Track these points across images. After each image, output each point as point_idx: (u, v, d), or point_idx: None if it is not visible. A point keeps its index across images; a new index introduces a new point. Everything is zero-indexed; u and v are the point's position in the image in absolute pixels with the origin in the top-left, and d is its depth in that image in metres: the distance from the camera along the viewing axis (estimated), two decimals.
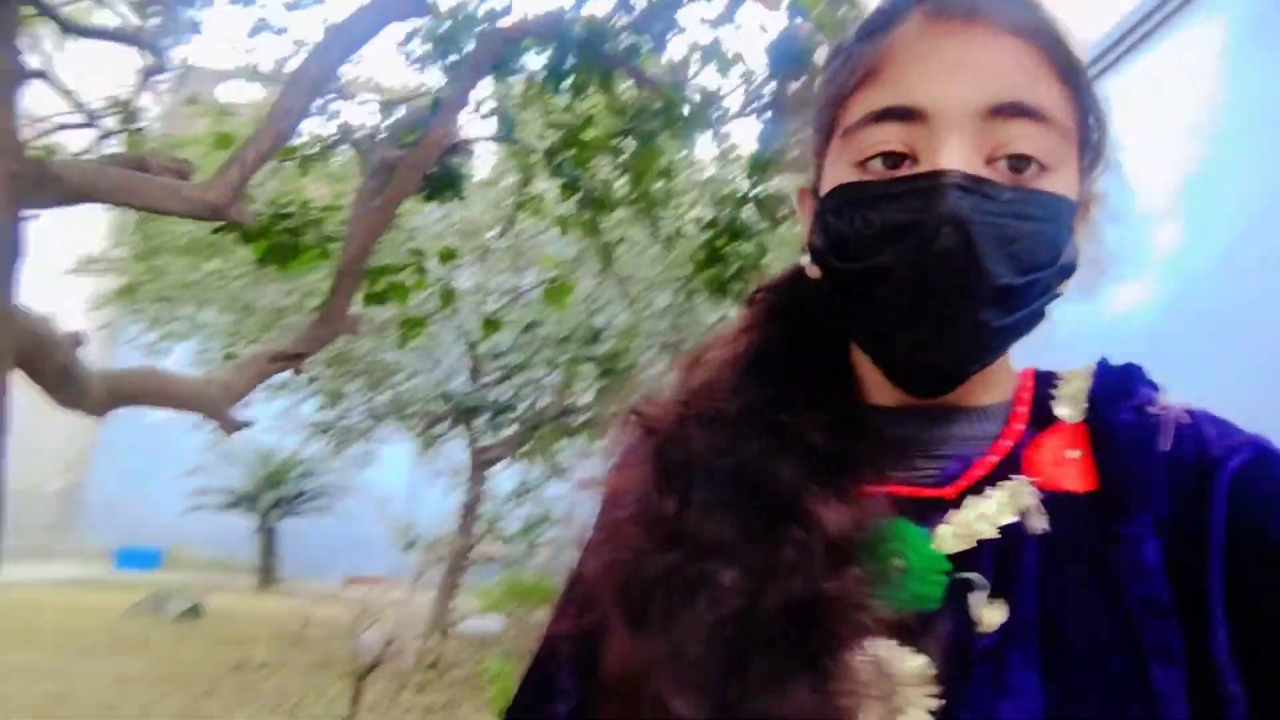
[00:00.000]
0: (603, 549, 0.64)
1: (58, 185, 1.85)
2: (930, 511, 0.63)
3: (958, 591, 0.60)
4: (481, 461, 8.08)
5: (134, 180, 1.94)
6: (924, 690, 0.58)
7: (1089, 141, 0.64)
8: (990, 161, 0.59)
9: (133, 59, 4.23)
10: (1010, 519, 0.62)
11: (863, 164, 0.61)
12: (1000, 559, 0.61)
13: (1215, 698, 0.56)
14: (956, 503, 0.63)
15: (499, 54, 3.38)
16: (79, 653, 6.89)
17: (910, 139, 0.60)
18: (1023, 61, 0.60)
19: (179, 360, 7.45)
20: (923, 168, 0.59)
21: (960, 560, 0.61)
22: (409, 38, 3.83)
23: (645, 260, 5.83)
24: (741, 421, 0.66)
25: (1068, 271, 0.63)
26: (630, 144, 3.91)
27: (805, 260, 0.68)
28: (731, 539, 0.61)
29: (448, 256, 4.18)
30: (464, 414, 7.84)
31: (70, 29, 3.14)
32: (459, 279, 6.18)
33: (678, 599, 0.59)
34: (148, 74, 3.61)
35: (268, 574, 12.49)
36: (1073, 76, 0.62)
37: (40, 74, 2.92)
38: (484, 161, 5.79)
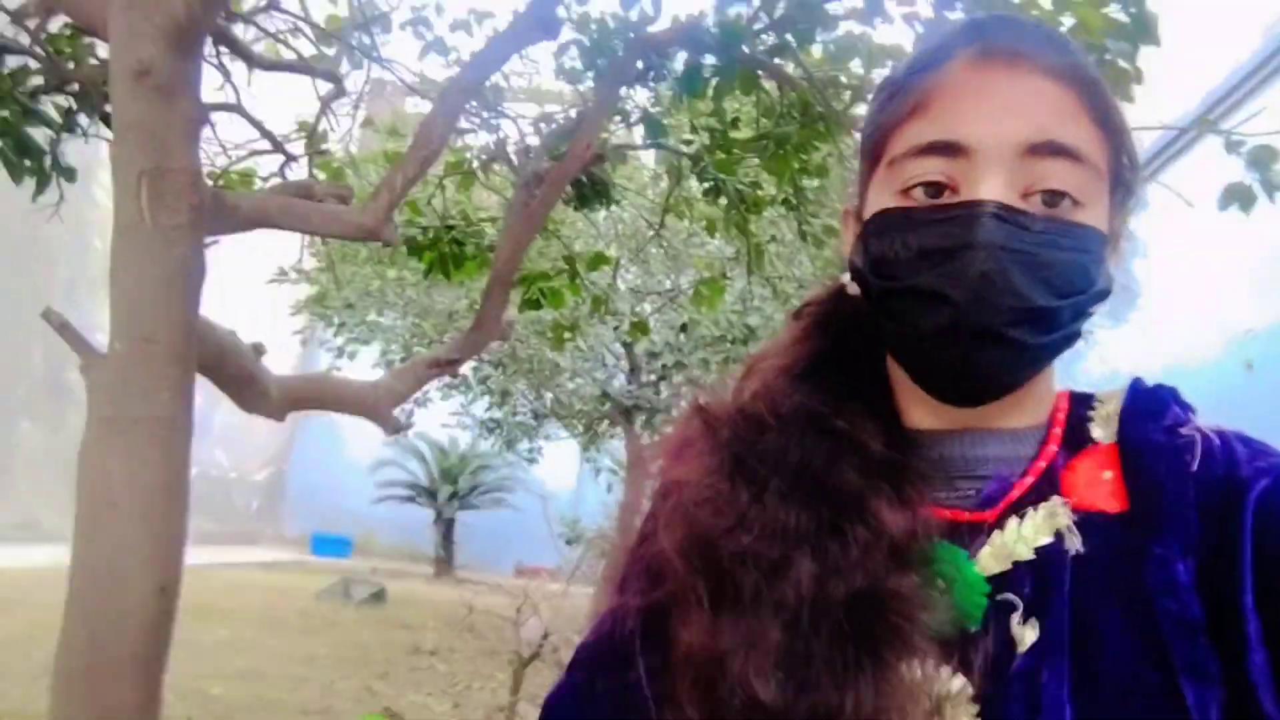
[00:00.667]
0: (674, 528, 0.66)
1: (235, 214, 2.05)
2: (971, 533, 0.65)
3: (998, 612, 0.62)
4: (642, 459, 8.22)
5: (299, 207, 2.12)
6: (964, 711, 0.60)
7: (1121, 180, 0.68)
8: (1026, 196, 0.63)
9: (317, 86, 4.60)
10: (1046, 540, 0.64)
11: (906, 192, 0.65)
12: (1037, 579, 0.63)
13: (1251, 714, 0.57)
14: (995, 524, 0.66)
15: (641, 62, 3.44)
16: (274, 631, 7.54)
17: (952, 171, 0.63)
18: (1060, 103, 0.64)
19: (365, 361, 8.00)
20: (962, 198, 0.63)
21: (999, 581, 0.64)
22: (563, 50, 3.97)
23: (798, 258, 5.77)
24: (802, 423, 0.69)
25: (1103, 296, 0.66)
26: (771, 145, 3.88)
27: (845, 278, 0.73)
28: (806, 529, 0.63)
29: (596, 263, 4.29)
30: (623, 413, 8.00)
31: (256, 64, 3.44)
32: (620, 280, 6.32)
33: (759, 581, 0.61)
34: (328, 100, 3.91)
35: (444, 563, 13.19)
36: (1106, 119, 0.66)
37: (234, 107, 3.22)
38: (641, 167, 5.89)
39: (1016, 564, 0.64)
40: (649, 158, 6.19)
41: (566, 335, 4.49)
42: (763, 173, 4.31)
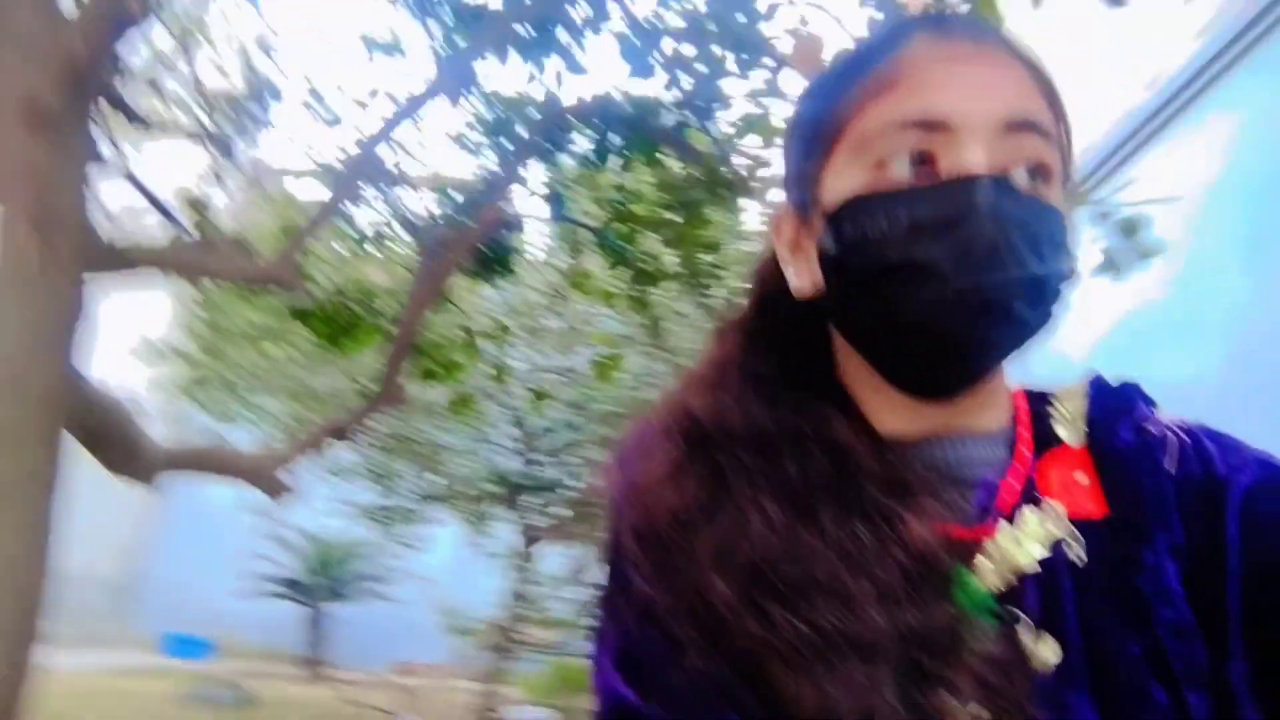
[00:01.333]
0: (720, 571, 0.59)
1: (125, 257, 1.92)
2: (967, 546, 0.61)
3: (1007, 633, 0.59)
4: (533, 541, 8.02)
5: (195, 251, 2.00)
6: None
7: (1065, 166, 0.67)
8: (1004, 171, 0.61)
9: (203, 156, 4.44)
10: (1043, 549, 0.61)
11: (879, 169, 0.62)
12: (1043, 592, 0.60)
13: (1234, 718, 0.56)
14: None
15: (549, 137, 3.48)
16: None
17: (931, 147, 0.61)
18: (1025, 84, 0.64)
19: (240, 445, 7.57)
20: (948, 172, 0.60)
21: (1003, 596, 0.60)
22: (469, 124, 3.97)
23: (696, 334, 5.84)
24: (793, 439, 0.64)
25: (1070, 278, 0.64)
26: (674, 217, 3.97)
27: (795, 283, 0.69)
28: (855, 554, 0.59)
29: (499, 334, 4.23)
30: (514, 492, 7.82)
31: (143, 123, 3.30)
32: (510, 358, 6.24)
33: (836, 620, 0.56)
34: (217, 169, 3.77)
35: (316, 662, 12.40)
36: (1056, 104, 0.66)
37: (123, 172, 3.06)
38: (535, 242, 5.91)
39: (1020, 577, 0.61)
40: (538, 231, 6.21)
41: (463, 407, 4.37)
42: (661, 249, 4.40)
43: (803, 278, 0.68)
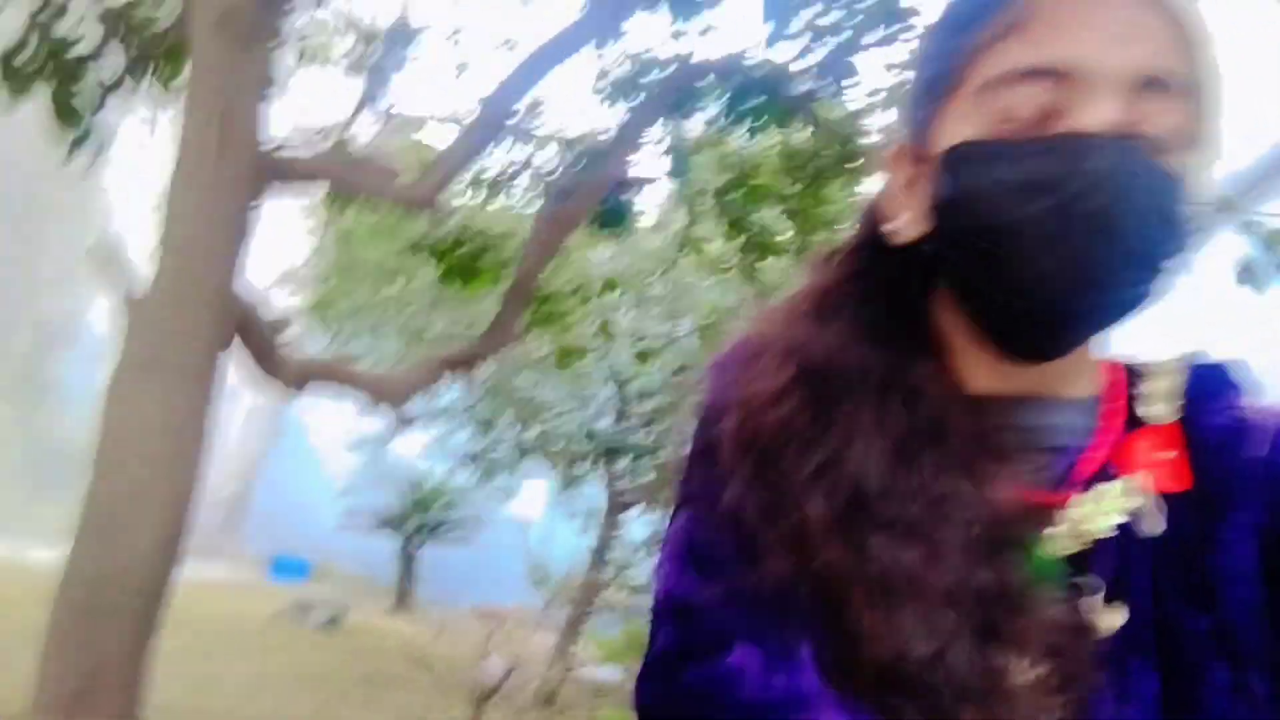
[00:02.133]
0: (817, 496, 0.59)
1: (291, 169, 2.06)
2: (1043, 511, 0.61)
3: (1074, 594, 0.58)
4: (617, 504, 8.16)
5: (354, 168, 2.14)
6: (1049, 702, 0.56)
7: (1204, 130, 0.62)
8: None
9: (351, 88, 4.66)
10: (1120, 518, 0.60)
11: (1001, 117, 0.59)
12: (1117, 560, 0.60)
13: None
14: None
15: (679, 94, 3.53)
16: (229, 646, 7.32)
17: (1057, 99, 0.57)
18: (1170, 35, 0.58)
19: None
20: (1071, 127, 0.57)
21: (1076, 560, 0.60)
22: (600, 77, 4.06)
23: None
24: (887, 381, 0.63)
25: (1184, 252, 0.60)
26: (798, 190, 3.97)
27: (890, 226, 0.67)
28: (942, 500, 0.59)
29: (610, 286, 4.32)
30: (606, 454, 7.95)
31: (305, 56, 3.51)
32: (616, 321, 6.35)
33: (916, 560, 0.57)
34: (364, 101, 3.96)
35: (404, 595, 12.91)
36: (1204, 61, 0.60)
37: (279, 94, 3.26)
38: (653, 201, 5.97)
39: (1095, 543, 0.60)
40: (656, 196, 6.28)
41: (570, 359, 4.49)
42: (777, 221, 4.41)
43: (911, 220, 0.65)
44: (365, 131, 4.99)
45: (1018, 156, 0.57)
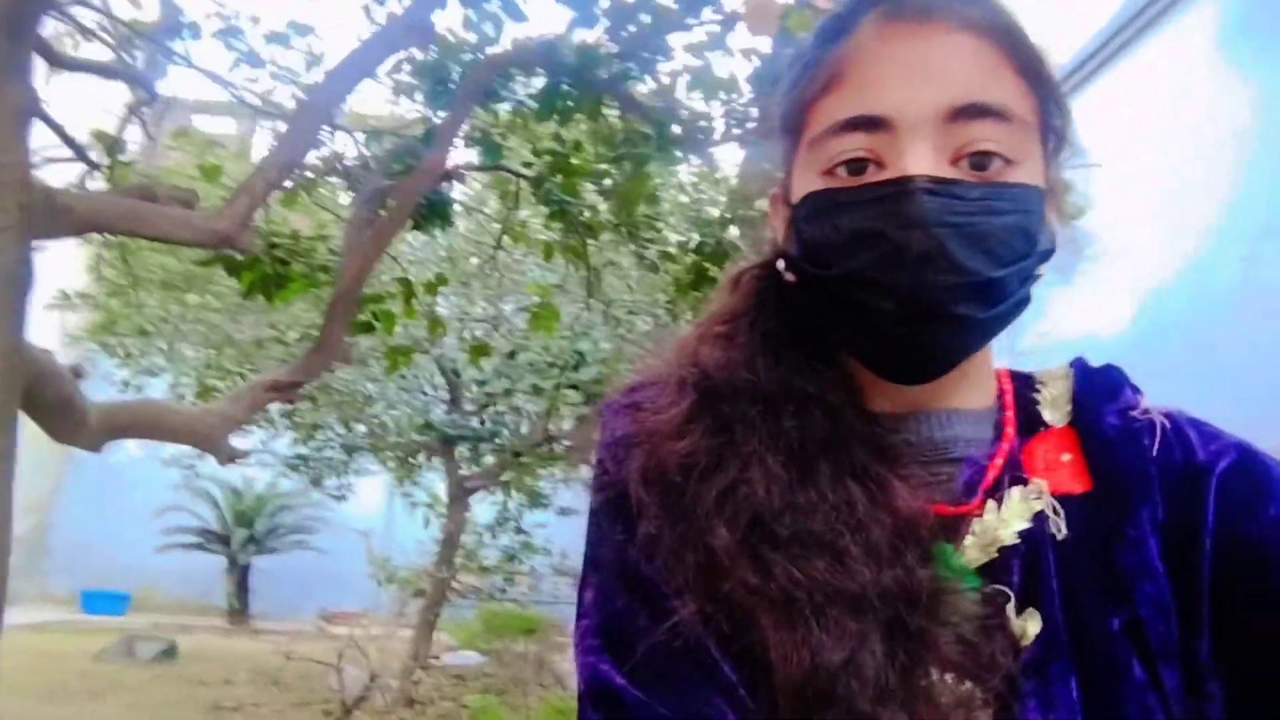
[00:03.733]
0: (725, 521, 0.59)
1: (68, 216, 1.84)
2: (950, 523, 0.62)
3: (990, 604, 0.60)
4: (463, 491, 8.02)
5: (143, 210, 1.93)
6: (980, 715, 0.57)
7: (1051, 128, 0.65)
8: (955, 161, 0.60)
9: (118, 92, 4.22)
10: (1025, 524, 0.62)
11: (829, 171, 0.62)
12: (1026, 566, 0.61)
13: (1198, 695, 0.59)
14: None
15: (489, 82, 3.41)
16: (54, 699, 6.70)
17: (875, 145, 0.60)
18: (980, 59, 0.60)
19: (153, 395, 7.33)
20: (889, 173, 0.60)
21: (986, 570, 0.61)
22: (395, 66, 3.86)
23: (626, 284, 5.87)
24: (794, 398, 0.65)
25: (1046, 256, 0.63)
26: (614, 170, 3.97)
27: (780, 265, 0.69)
28: (846, 512, 0.59)
29: (436, 284, 4.18)
30: (444, 444, 7.78)
31: (58, 63, 3.12)
32: (439, 306, 6.17)
33: (826, 574, 0.57)
34: (134, 107, 3.59)
35: (239, 613, 12.24)
36: (1030, 67, 0.62)
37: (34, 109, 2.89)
38: (467, 189, 5.81)
39: (1003, 550, 0.62)
40: (468, 178, 6.13)
41: (401, 360, 4.33)
42: (598, 199, 4.39)
43: (786, 253, 0.68)
44: (141, 133, 4.56)
45: (845, 208, 0.60)
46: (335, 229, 4.99)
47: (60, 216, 1.83)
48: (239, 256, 3.75)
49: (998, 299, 0.60)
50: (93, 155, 3.64)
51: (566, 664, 8.64)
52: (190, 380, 7.49)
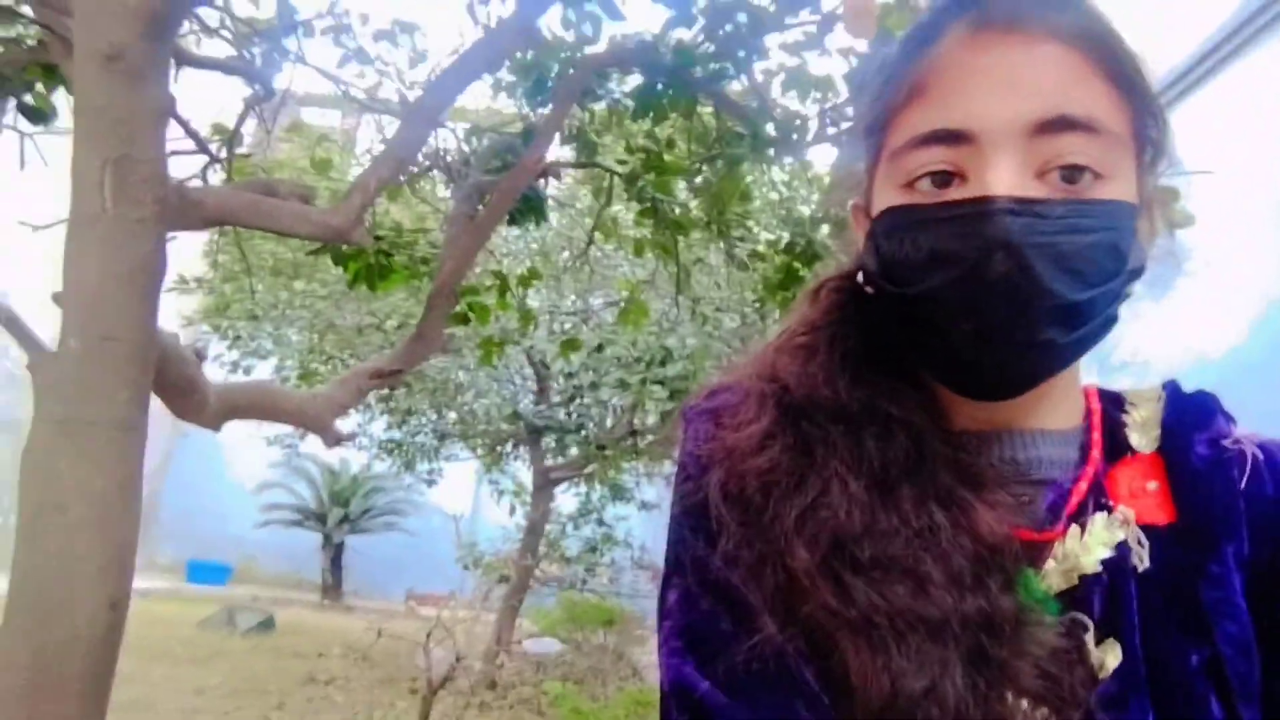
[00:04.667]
0: (805, 543, 0.59)
1: (199, 209, 1.97)
2: (1032, 548, 0.61)
3: (1069, 633, 0.59)
4: (547, 481, 8.17)
5: (266, 205, 2.05)
6: None
7: (1147, 139, 0.62)
8: (1042, 175, 0.58)
9: (237, 88, 4.43)
10: (1108, 553, 0.61)
11: (910, 185, 0.60)
12: (1107, 596, 0.60)
13: None
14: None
15: (587, 81, 3.48)
16: (158, 662, 7.10)
17: (958, 159, 0.59)
18: (1068, 69, 0.58)
19: (260, 377, 7.67)
20: (971, 189, 0.58)
21: (1065, 598, 0.60)
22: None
23: (714, 282, 5.89)
24: (872, 417, 0.64)
25: (1136, 275, 0.61)
26: (707, 168, 3.99)
27: (860, 278, 0.69)
28: (927, 535, 0.59)
29: (530, 278, 4.28)
30: (531, 434, 7.93)
31: (185, 60, 3.30)
32: (530, 299, 6.30)
33: (907, 598, 0.57)
34: (252, 102, 3.78)
35: (333, 589, 12.71)
36: (1123, 76, 0.59)
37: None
38: (561, 184, 5.92)
39: (1084, 579, 0.61)
40: (565, 175, 6.24)
41: (493, 352, 4.44)
42: (690, 196, 4.41)
43: (865, 267, 0.67)
44: (257, 127, 4.78)
45: (925, 225, 0.59)
46: (433, 221, 5.15)
47: (191, 210, 1.95)
48: (345, 248, 3.91)
49: (1083, 321, 0.58)
50: (212, 148, 3.84)
51: (645, 656, 8.73)
52: (294, 363, 7.81)
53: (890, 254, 0.61)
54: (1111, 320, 0.61)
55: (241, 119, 3.93)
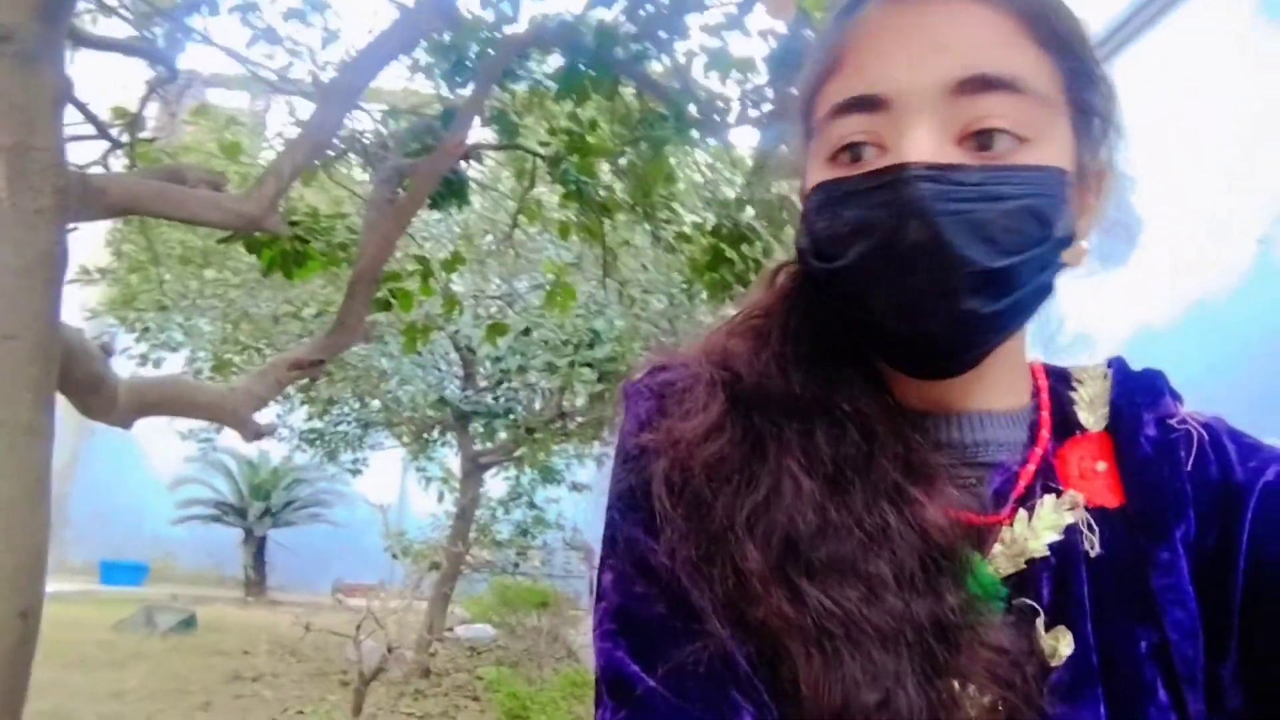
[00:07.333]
0: (757, 542, 0.57)
1: (102, 199, 1.88)
2: (980, 532, 0.60)
3: (1019, 621, 0.58)
4: (476, 467, 8.10)
5: (174, 193, 1.96)
6: None
7: (1085, 105, 0.60)
8: (962, 140, 0.56)
9: (138, 69, 4.24)
10: (1056, 536, 0.60)
11: (833, 158, 0.59)
12: (1055, 581, 0.59)
13: (1220, 714, 0.58)
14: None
15: (508, 62, 3.42)
16: (74, 668, 6.84)
17: (874, 127, 0.57)
18: (992, 29, 0.56)
19: (171, 369, 7.41)
20: (889, 158, 0.56)
21: (1014, 583, 0.59)
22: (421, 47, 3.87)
23: (641, 264, 5.90)
24: (819, 406, 0.62)
25: (1066, 243, 0.59)
26: (630, 150, 3.98)
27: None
28: (876, 534, 0.57)
29: (454, 263, 4.21)
30: (458, 419, 7.84)
31: (81, 41, 3.15)
32: (454, 284, 6.21)
33: (859, 605, 0.55)
34: (156, 84, 3.62)
35: (256, 584, 12.41)
36: (1056, 39, 0.58)
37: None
38: (479, 167, 5.83)
39: (1032, 563, 0.60)
40: (492, 159, 6.15)
41: (418, 339, 4.37)
42: (614, 179, 4.40)
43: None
44: (161, 110, 4.58)
45: (845, 199, 0.57)
46: (350, 206, 5.02)
47: (94, 199, 1.86)
48: (260, 235, 3.78)
49: (1008, 290, 0.56)
50: (113, 133, 3.67)
51: (580, 637, 8.76)
52: (207, 355, 7.56)
53: (818, 230, 0.59)
54: (1043, 290, 0.59)
55: (144, 102, 3.77)
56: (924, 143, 0.55)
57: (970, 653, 0.55)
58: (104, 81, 4.32)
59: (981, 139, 0.55)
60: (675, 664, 0.55)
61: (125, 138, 3.72)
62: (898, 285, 0.55)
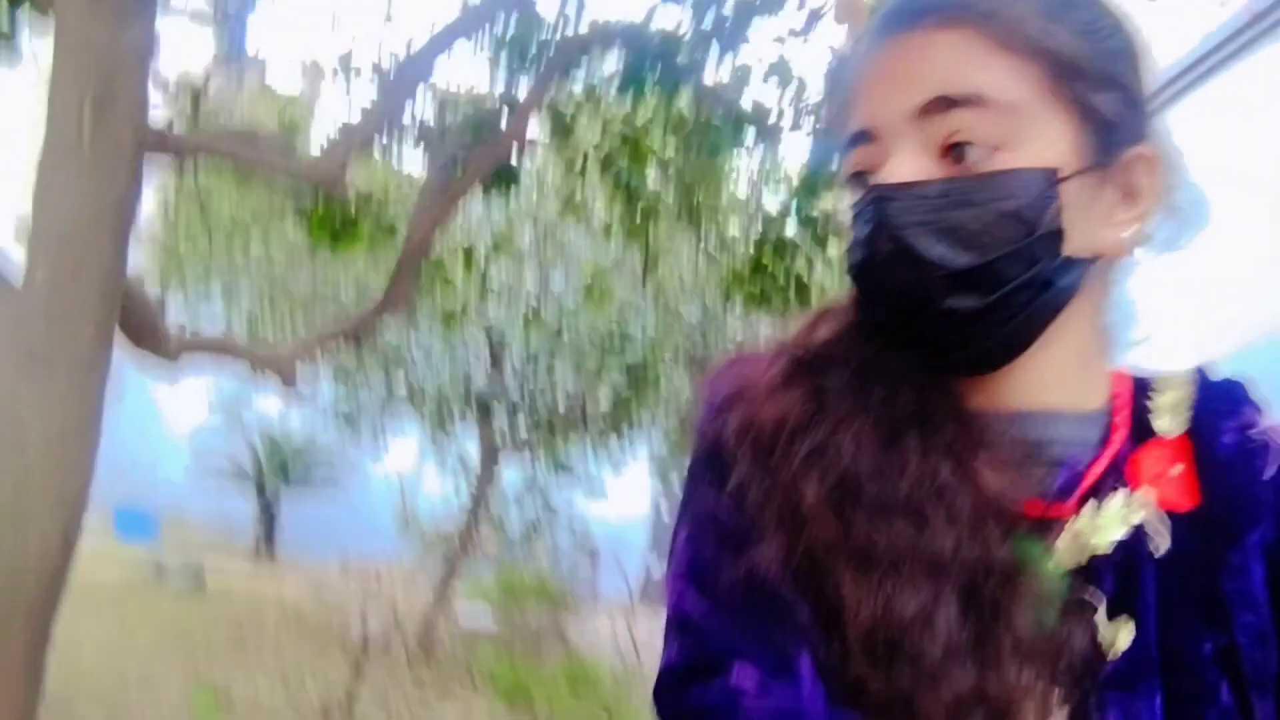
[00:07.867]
0: (812, 477, 0.61)
1: (179, 147, 1.94)
2: (1043, 523, 0.62)
3: (1078, 610, 0.59)
4: (493, 455, 8.14)
5: (255, 143, 2.03)
6: (1057, 716, 0.57)
7: (1083, 98, 0.61)
8: (944, 154, 0.60)
9: (202, 44, 4.33)
10: (1123, 534, 0.61)
11: (851, 184, 0.66)
12: (1121, 576, 0.61)
13: None
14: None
15: (571, 58, 3.48)
16: (84, 613, 6.94)
17: (871, 157, 0.63)
18: (957, 50, 0.60)
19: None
20: (874, 182, 0.62)
21: (1076, 575, 0.61)
22: (475, 40, 3.92)
23: (677, 271, 5.91)
24: (889, 372, 0.65)
25: (1056, 238, 0.60)
26: (682, 157, 4.00)
27: None
28: (932, 481, 0.60)
29: (498, 248, 4.26)
30: (480, 407, 7.89)
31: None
32: (491, 276, 6.26)
33: (908, 537, 0.58)
34: (221, 59, 3.70)
35: (266, 551, 12.51)
36: (1024, 42, 0.60)
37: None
38: (531, 162, 5.88)
39: (1098, 558, 0.61)
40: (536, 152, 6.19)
41: (452, 324, 4.43)
42: (663, 183, 4.42)
43: None
44: (224, 82, 4.68)
45: (853, 220, 0.64)
46: (394, 193, 5.09)
47: (171, 147, 1.93)
48: (313, 206, 3.84)
49: (988, 287, 0.59)
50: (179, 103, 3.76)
51: (578, 634, 8.77)
52: (241, 329, 7.67)
53: (848, 247, 0.65)
54: (1043, 284, 0.60)
55: (208, 74, 3.86)
56: (904, 165, 0.60)
57: (1013, 596, 0.57)
58: (168, 53, 4.42)
59: (955, 152, 0.60)
60: (736, 605, 0.60)
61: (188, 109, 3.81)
62: (887, 291, 0.61)
